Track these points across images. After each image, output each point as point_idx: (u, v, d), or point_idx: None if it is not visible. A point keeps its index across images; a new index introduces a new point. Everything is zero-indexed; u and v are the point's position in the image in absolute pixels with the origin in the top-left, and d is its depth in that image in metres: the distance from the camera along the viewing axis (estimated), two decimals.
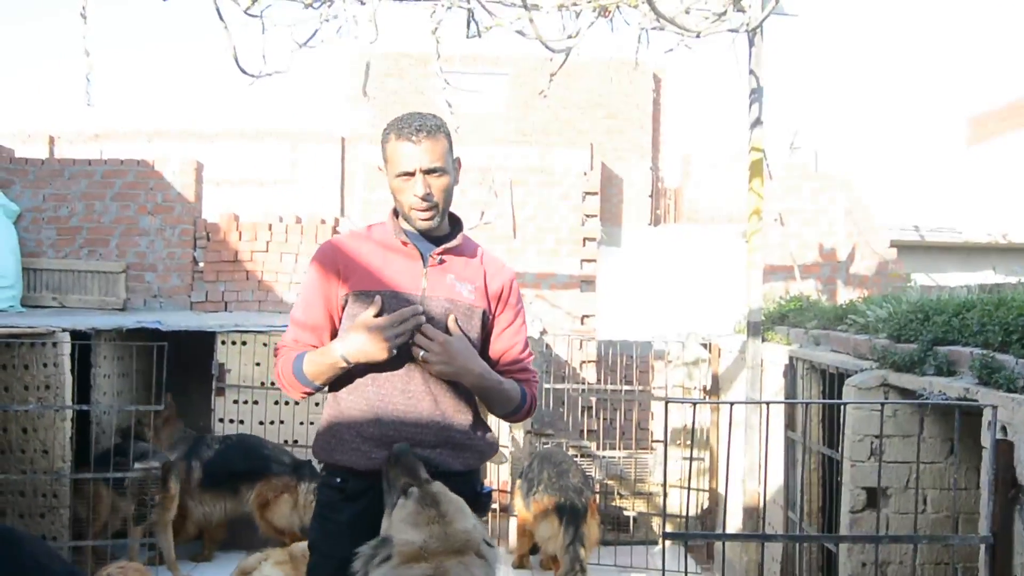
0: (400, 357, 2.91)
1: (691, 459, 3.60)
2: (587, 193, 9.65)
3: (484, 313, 3.06)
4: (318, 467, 3.96)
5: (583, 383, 9.05)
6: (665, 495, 3.72)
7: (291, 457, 7.37)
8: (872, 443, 4.85)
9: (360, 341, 2.85)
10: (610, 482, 8.68)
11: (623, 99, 17.61)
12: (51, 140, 13.92)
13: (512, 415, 3.13)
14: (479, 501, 3.01)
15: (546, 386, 8.79)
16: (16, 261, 8.60)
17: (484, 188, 9.58)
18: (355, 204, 9.75)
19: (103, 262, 8.97)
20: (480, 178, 9.59)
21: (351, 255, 3.03)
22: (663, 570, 3.73)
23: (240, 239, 9.07)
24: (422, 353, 2.89)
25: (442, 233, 3.10)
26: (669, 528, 7.57)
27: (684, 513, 4.07)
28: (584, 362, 9.40)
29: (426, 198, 2.95)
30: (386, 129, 3.02)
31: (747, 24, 5.97)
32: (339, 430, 2.97)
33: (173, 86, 38.55)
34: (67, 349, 6.97)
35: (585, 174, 9.71)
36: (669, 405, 7.87)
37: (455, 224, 3.15)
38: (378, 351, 2.84)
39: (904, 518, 4.78)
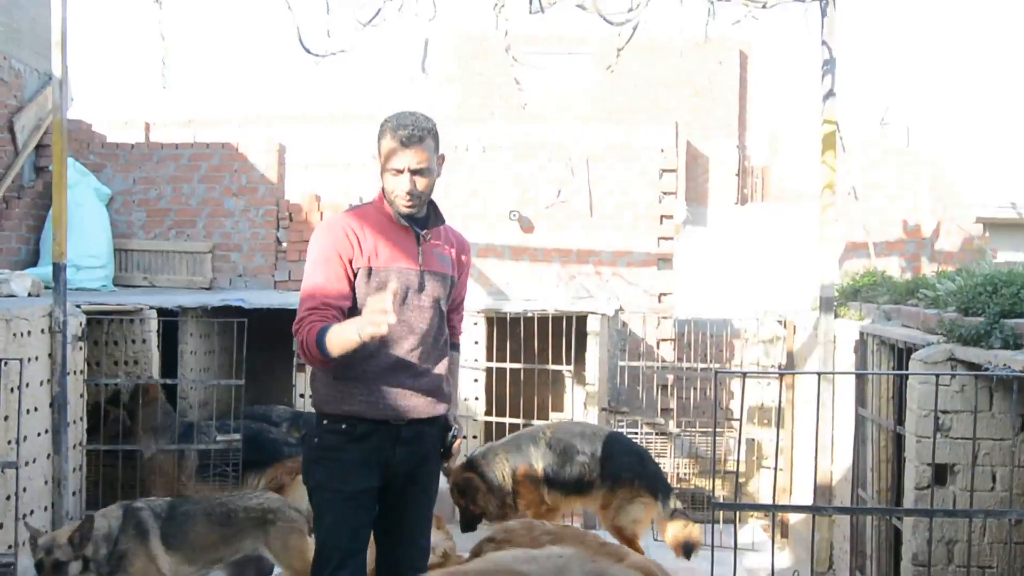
0: (405, 329, 3.52)
1: (739, 434, 3.59)
2: (665, 170, 9.57)
3: (452, 279, 3.73)
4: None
5: (659, 361, 9.03)
6: (714, 468, 3.72)
7: (296, 439, 7.15)
8: (939, 418, 4.75)
9: (364, 323, 3.23)
10: (686, 460, 8.67)
11: (709, 77, 17.40)
12: (147, 126, 14.35)
13: None
14: (447, 440, 3.78)
15: (621, 363, 8.79)
16: (108, 242, 8.95)
17: (561, 165, 9.58)
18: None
19: (190, 243, 9.27)
20: (557, 155, 9.60)
21: (363, 232, 3.55)
22: (712, 545, 3.73)
23: (321, 219, 9.26)
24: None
25: (423, 214, 3.64)
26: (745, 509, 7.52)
27: (735, 489, 4.09)
28: (661, 340, 9.36)
29: (411, 193, 3.48)
30: (383, 124, 3.51)
31: None
32: (347, 384, 3.54)
33: (263, 70, 39.32)
34: (154, 326, 7.23)
35: (663, 151, 9.62)
36: (747, 383, 7.83)
37: (430, 204, 3.67)
38: (377, 330, 3.19)
39: (973, 495, 4.68)
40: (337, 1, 5.34)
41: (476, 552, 5.18)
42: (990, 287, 4.73)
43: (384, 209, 3.60)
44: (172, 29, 5.46)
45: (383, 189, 3.58)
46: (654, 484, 6.44)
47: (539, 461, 6.43)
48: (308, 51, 5.32)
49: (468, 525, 6.46)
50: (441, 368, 3.66)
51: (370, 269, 3.50)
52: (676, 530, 6.23)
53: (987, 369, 4.27)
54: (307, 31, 5.52)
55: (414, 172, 3.44)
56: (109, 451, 6.80)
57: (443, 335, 3.71)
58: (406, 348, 3.54)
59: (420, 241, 3.59)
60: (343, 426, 3.54)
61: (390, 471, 3.60)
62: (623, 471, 6.39)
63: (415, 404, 3.55)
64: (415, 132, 3.43)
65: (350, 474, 3.52)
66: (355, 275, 3.51)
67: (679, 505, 6.32)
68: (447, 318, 3.83)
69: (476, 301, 8.58)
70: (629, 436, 8.41)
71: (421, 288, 3.57)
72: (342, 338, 3.26)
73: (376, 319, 3.13)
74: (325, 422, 3.61)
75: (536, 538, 4.94)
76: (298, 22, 5.12)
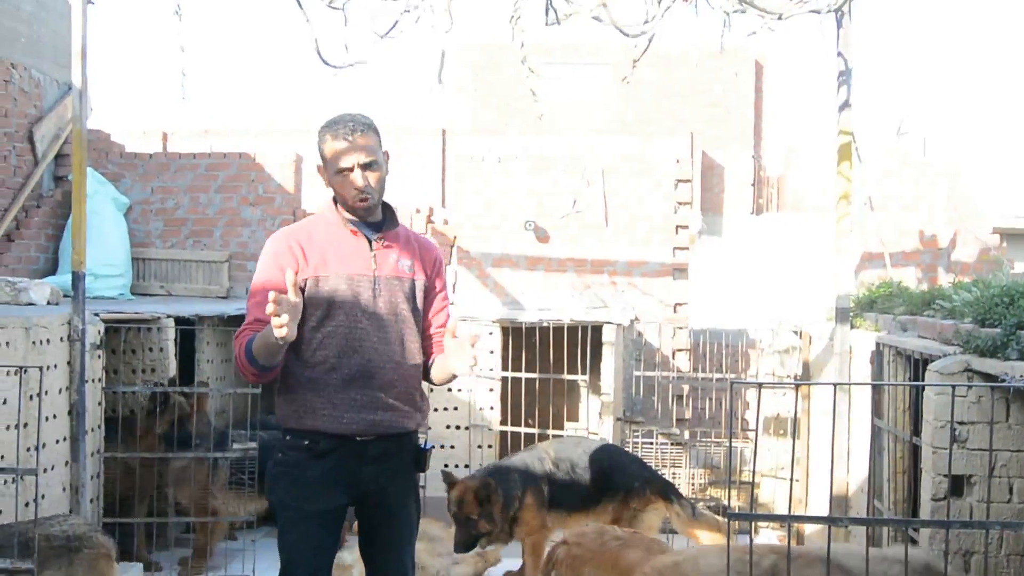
0: (362, 337, 3.44)
1: (755, 444, 3.59)
2: (680, 181, 9.59)
3: (413, 282, 3.59)
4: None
5: (675, 371, 9.02)
6: (730, 479, 3.73)
7: None
8: (955, 430, 4.74)
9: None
10: (702, 471, 8.65)
11: (725, 87, 17.39)
12: (164, 137, 14.51)
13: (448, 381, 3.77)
14: (422, 456, 3.65)
15: (636, 373, 8.79)
16: (126, 251, 9.01)
17: (576, 176, 9.61)
18: (451, 195, 9.92)
19: (207, 252, 9.34)
20: (572, 166, 9.63)
21: (308, 243, 3.50)
22: (728, 551, 3.73)
23: None
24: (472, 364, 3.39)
25: (377, 219, 3.59)
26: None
27: (750, 500, 4.07)
28: (676, 350, 9.36)
29: (365, 189, 3.43)
30: (321, 131, 3.46)
31: (831, 5, 5.86)
32: (308, 398, 3.46)
33: (281, 82, 39.57)
34: (171, 334, 7.27)
35: (678, 161, 9.64)
36: (763, 394, 7.82)
37: (385, 208, 3.62)
38: (279, 332, 3.14)
39: (991, 507, 4.67)
40: (355, 14, 5.38)
41: (551, 555, 5.14)
42: (1007, 298, 4.72)
43: (333, 218, 3.54)
44: (191, 41, 5.51)
45: (333, 197, 3.54)
46: (664, 488, 6.42)
47: (545, 484, 6.32)
48: (326, 63, 5.36)
49: (467, 544, 5.94)
50: (409, 379, 3.55)
51: (317, 278, 3.45)
52: (714, 539, 6.23)
53: (1004, 380, 4.26)
54: (325, 43, 5.57)
55: (363, 167, 3.40)
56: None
57: (408, 342, 3.57)
58: (366, 358, 3.45)
59: (372, 247, 3.52)
60: (305, 442, 3.47)
61: (358, 489, 3.52)
62: (633, 479, 6.36)
63: (380, 418, 3.46)
64: (356, 125, 3.40)
65: (313, 493, 3.46)
66: (304, 287, 3.42)
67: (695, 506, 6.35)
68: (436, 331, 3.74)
69: (491, 311, 8.60)
70: (645, 446, 8.44)
71: (376, 294, 3.48)
72: (264, 342, 3.25)
73: (275, 327, 3.11)
74: (288, 438, 3.54)
75: (605, 543, 4.93)
76: (316, 34, 5.17)
